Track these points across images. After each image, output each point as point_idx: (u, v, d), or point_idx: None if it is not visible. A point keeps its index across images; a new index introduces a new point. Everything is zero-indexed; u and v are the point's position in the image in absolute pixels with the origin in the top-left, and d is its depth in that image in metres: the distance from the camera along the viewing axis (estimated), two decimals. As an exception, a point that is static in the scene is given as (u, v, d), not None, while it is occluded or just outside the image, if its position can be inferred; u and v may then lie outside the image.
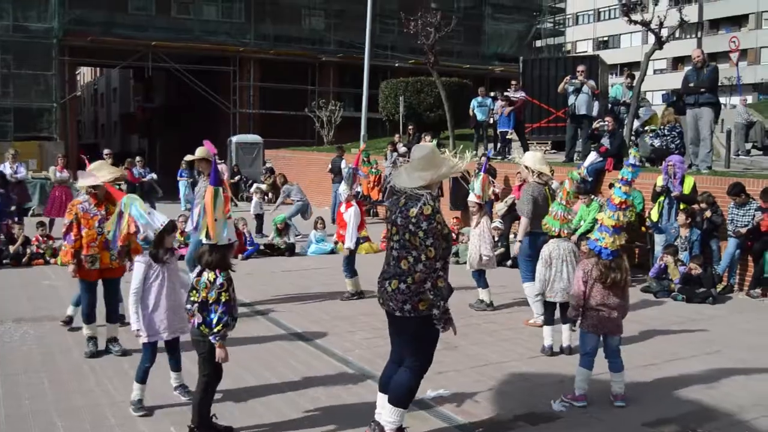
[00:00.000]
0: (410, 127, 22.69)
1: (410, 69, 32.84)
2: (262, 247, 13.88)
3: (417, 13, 20.84)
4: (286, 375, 6.61)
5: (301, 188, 16.17)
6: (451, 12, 29.57)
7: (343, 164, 18.75)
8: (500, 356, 7.26)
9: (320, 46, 35.82)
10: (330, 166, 20.30)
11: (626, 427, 5.49)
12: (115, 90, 58.23)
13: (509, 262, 12.55)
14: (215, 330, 4.90)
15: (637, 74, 15.96)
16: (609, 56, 46.10)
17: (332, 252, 13.60)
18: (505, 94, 18.55)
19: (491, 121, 19.40)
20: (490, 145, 19.61)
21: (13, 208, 14.64)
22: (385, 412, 4.90)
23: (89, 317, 7.19)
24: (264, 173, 25.29)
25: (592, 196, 12.27)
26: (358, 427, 5.32)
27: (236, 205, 20.41)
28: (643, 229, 12.03)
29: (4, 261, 12.27)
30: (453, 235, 10.00)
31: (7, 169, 16.66)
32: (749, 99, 25.22)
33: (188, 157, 9.90)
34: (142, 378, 5.64)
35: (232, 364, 5.38)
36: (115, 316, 7.32)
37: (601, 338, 6.03)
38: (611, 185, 7.91)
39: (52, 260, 12.26)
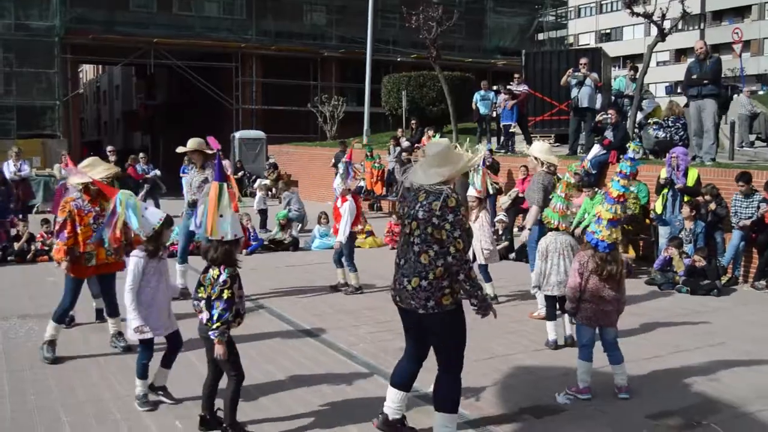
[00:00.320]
0: (413, 121, 22.69)
1: (412, 63, 32.77)
2: (266, 243, 13.90)
3: (419, 7, 20.82)
4: (292, 369, 6.62)
5: (300, 197, 16.25)
6: (453, 6, 29.53)
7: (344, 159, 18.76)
8: (505, 349, 7.26)
9: (322, 42, 35.78)
10: (333, 160, 20.32)
11: (630, 420, 5.50)
12: (118, 87, 58.25)
13: (512, 255, 12.58)
14: (214, 326, 4.87)
15: (640, 66, 15.92)
16: (611, 49, 45.99)
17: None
18: (508, 87, 18.55)
19: (494, 114, 19.41)
20: (494, 139, 19.61)
21: (11, 205, 14.67)
22: (438, 420, 4.83)
23: (62, 318, 7.00)
24: (267, 169, 25.32)
25: (596, 189, 12.25)
26: (365, 421, 5.33)
27: (240, 200, 20.41)
28: (648, 221, 12.01)
29: (9, 258, 12.32)
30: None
31: (10, 167, 16.71)
32: (757, 90, 25.10)
33: (180, 149, 9.85)
34: (143, 374, 5.63)
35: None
36: (116, 310, 7.22)
37: (598, 331, 6.03)
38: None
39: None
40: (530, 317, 8.52)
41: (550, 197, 8.05)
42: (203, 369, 6.21)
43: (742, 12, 65.58)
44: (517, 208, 14.30)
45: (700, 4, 32.28)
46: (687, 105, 13.79)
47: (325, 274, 11.07)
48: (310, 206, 17.49)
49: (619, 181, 5.93)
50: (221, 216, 4.94)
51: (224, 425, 5.06)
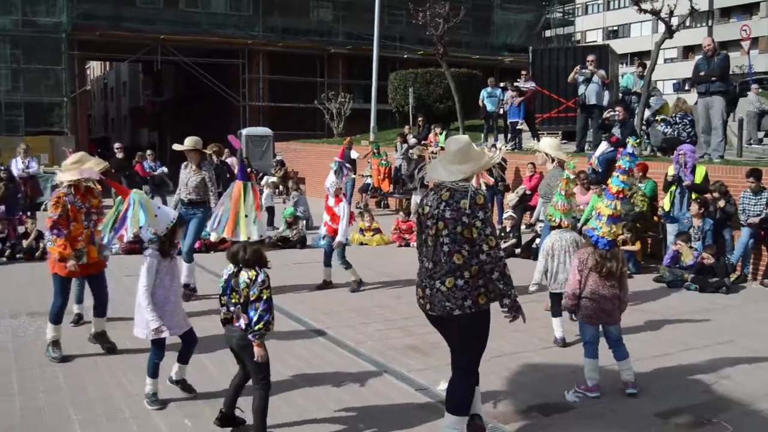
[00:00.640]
0: (420, 118, 22.67)
1: (419, 60, 32.79)
2: (273, 240, 13.90)
3: (425, 3, 20.79)
4: (299, 367, 6.63)
5: (306, 199, 16.32)
6: (460, 2, 29.46)
7: (353, 154, 18.76)
8: (514, 347, 7.25)
9: (329, 38, 35.81)
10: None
11: (639, 418, 5.49)
12: (125, 84, 58.37)
13: (518, 250, 12.60)
14: (255, 328, 4.70)
15: (647, 63, 15.87)
16: (619, 45, 45.86)
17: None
18: (515, 84, 18.51)
19: (501, 111, 19.38)
20: (501, 136, 19.58)
21: (20, 202, 14.73)
22: (448, 421, 4.76)
23: (58, 318, 6.92)
24: (274, 166, 25.32)
25: (604, 186, 12.21)
26: (373, 419, 5.33)
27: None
28: (656, 218, 11.98)
29: (18, 255, 12.35)
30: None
31: (18, 164, 16.77)
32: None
33: (177, 147, 9.81)
34: (154, 372, 5.63)
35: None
36: (104, 310, 7.15)
37: (601, 328, 6.03)
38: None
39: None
40: (546, 309, 8.49)
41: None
42: (213, 370, 6.25)
43: (750, 9, 65.27)
44: (524, 205, 14.29)
45: (708, 1, 32.16)
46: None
47: (333, 270, 11.08)
48: (317, 203, 17.48)
49: (618, 176, 5.93)
50: (246, 216, 4.85)
51: None
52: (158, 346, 5.63)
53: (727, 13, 65.87)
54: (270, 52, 34.33)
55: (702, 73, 12.92)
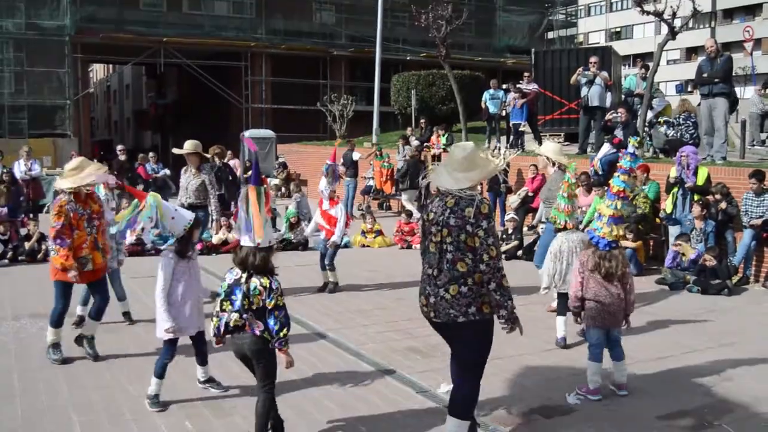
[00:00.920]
0: (422, 120, 22.67)
1: (422, 62, 32.74)
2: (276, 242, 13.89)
3: (428, 6, 20.79)
4: (301, 369, 6.60)
5: (307, 202, 16.31)
6: (463, 4, 29.48)
7: (355, 156, 18.77)
8: (515, 350, 7.23)
9: (331, 41, 35.81)
10: (341, 160, 20.30)
11: (641, 420, 5.48)
12: (128, 87, 58.45)
13: (520, 252, 12.60)
14: (281, 335, 4.71)
15: (650, 65, 15.85)
16: (622, 47, 45.81)
17: (345, 246, 13.58)
18: (518, 86, 18.51)
19: (504, 113, 19.37)
20: (503, 138, 19.58)
21: (22, 204, 14.76)
22: (450, 424, 4.74)
23: (58, 322, 6.91)
24: (277, 168, 25.33)
25: (606, 188, 12.20)
26: (373, 421, 5.33)
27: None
28: (658, 220, 11.97)
29: (20, 257, 12.36)
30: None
31: (21, 166, 16.80)
32: None
33: (176, 150, 9.78)
34: (161, 373, 5.66)
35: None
36: (101, 316, 7.10)
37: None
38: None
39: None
40: (549, 311, 8.50)
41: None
42: (214, 373, 6.22)
43: (753, 10, 65.12)
44: (526, 207, 14.28)
45: (711, 2, 32.13)
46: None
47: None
48: (316, 204, 17.49)
49: (619, 176, 5.93)
50: (265, 221, 4.80)
51: None
52: (169, 347, 5.67)
53: (729, 14, 65.75)
54: (273, 54, 34.34)
55: (705, 75, 12.90)
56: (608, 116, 14.66)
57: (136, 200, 5.71)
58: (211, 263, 11.32)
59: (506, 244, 12.92)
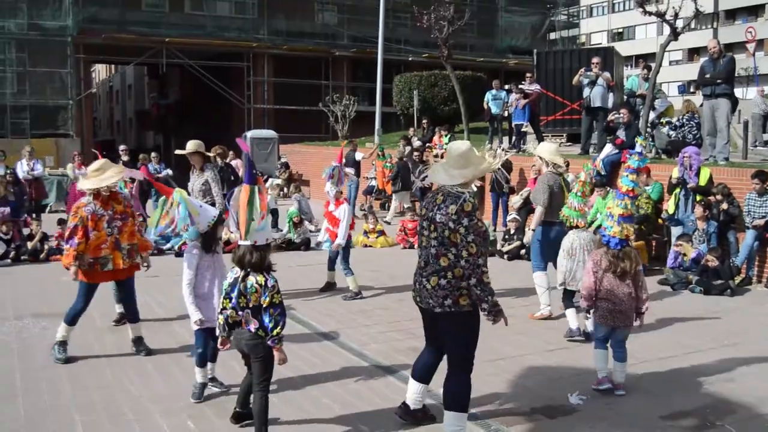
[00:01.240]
0: (424, 121, 22.67)
1: (424, 63, 32.76)
2: (277, 242, 13.89)
3: (430, 6, 20.79)
4: (303, 369, 6.62)
5: (308, 202, 16.35)
6: (465, 5, 29.50)
7: (357, 156, 18.76)
8: (516, 350, 7.24)
9: (333, 41, 35.84)
10: (344, 161, 20.28)
11: (644, 420, 5.47)
12: (130, 87, 58.54)
13: (523, 251, 12.57)
14: (274, 333, 4.76)
15: (652, 65, 15.84)
16: (624, 48, 45.82)
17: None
18: (520, 86, 18.49)
19: (506, 114, 19.36)
20: (505, 139, 19.57)
21: (27, 205, 14.76)
22: (447, 419, 4.86)
23: (73, 320, 6.93)
24: (279, 168, 25.32)
25: (609, 189, 12.19)
26: (375, 421, 5.33)
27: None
28: (660, 221, 11.96)
29: (23, 257, 12.37)
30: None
31: (23, 166, 16.82)
32: (766, 89, 24.88)
33: (179, 151, 9.79)
34: (201, 363, 5.81)
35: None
36: (137, 316, 7.18)
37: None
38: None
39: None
40: (531, 318, 8.51)
41: (558, 197, 8.11)
42: (216, 371, 6.21)
43: (755, 11, 65.08)
44: (529, 207, 14.24)
45: (713, 3, 32.13)
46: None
47: (336, 273, 11.09)
48: (322, 206, 17.50)
49: (628, 176, 5.96)
50: (252, 220, 4.84)
51: None
52: (201, 336, 5.76)
53: (732, 15, 65.70)
54: (275, 55, 34.36)
55: (707, 76, 12.88)
56: (610, 117, 14.65)
57: (163, 198, 5.81)
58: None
59: (509, 244, 12.92)
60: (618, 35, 74.95)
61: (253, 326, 4.81)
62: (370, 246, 14.17)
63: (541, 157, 8.60)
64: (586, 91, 15.67)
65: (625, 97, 17.05)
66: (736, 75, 13.87)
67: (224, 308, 4.90)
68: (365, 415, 5.49)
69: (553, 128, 20.09)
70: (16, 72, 29.56)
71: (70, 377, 6.39)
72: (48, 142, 27.73)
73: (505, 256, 12.73)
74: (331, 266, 10.06)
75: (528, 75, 19.45)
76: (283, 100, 34.09)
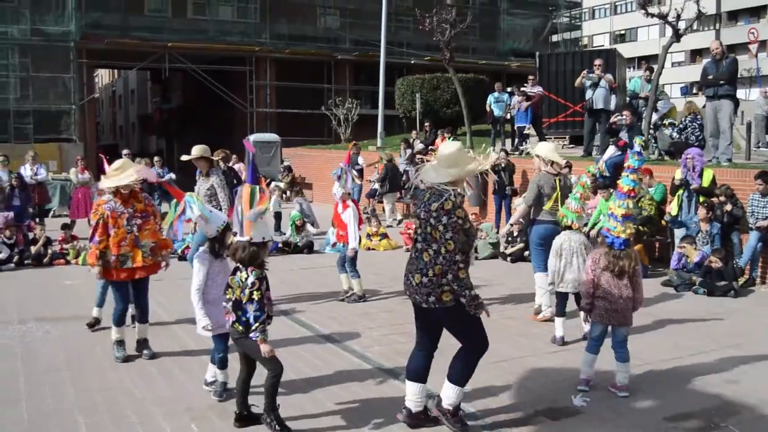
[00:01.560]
0: (427, 123, 22.67)
1: (426, 66, 32.77)
2: (280, 245, 13.90)
3: (432, 9, 20.80)
4: (306, 372, 6.62)
5: (310, 206, 16.37)
6: (467, 8, 29.54)
7: (360, 160, 18.77)
8: (518, 352, 7.24)
9: (335, 45, 35.89)
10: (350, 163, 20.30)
11: (647, 422, 5.46)
12: (133, 91, 58.61)
13: (527, 253, 12.56)
14: (253, 328, 4.97)
15: (655, 67, 15.84)
16: (626, 50, 45.78)
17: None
18: (522, 89, 18.49)
19: (508, 116, 19.35)
20: (508, 141, 19.57)
21: (31, 210, 14.77)
22: (444, 390, 5.12)
23: (120, 320, 7.02)
24: (282, 171, 25.34)
25: (611, 191, 12.17)
26: (379, 423, 5.33)
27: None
28: (663, 222, 11.94)
29: (26, 261, 12.39)
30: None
31: (27, 170, 16.84)
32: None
33: (184, 157, 9.81)
34: (221, 364, 5.85)
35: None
36: (146, 317, 7.21)
37: (609, 328, 6.07)
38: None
39: (74, 261, 12.37)
40: (532, 319, 8.50)
41: (549, 197, 8.09)
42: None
43: (758, 12, 64.99)
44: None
45: (716, 5, 32.12)
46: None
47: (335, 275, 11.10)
48: (325, 209, 17.51)
49: (628, 176, 5.98)
50: (248, 216, 5.00)
51: (263, 412, 5.19)
52: (219, 340, 5.80)
53: (734, 16, 65.62)
54: (277, 58, 34.42)
55: (710, 77, 12.88)
56: (613, 119, 14.64)
57: (175, 200, 5.91)
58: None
59: (512, 246, 12.92)
60: (620, 37, 74.93)
61: (231, 318, 5.04)
62: (373, 249, 14.16)
63: (539, 156, 8.54)
64: (588, 93, 15.67)
65: (628, 98, 17.04)
66: (738, 76, 13.86)
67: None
68: (368, 418, 5.48)
69: (556, 130, 20.08)
70: (19, 77, 29.64)
71: (73, 380, 6.39)
72: (51, 147, 27.77)
73: (509, 258, 12.73)
74: (342, 270, 9.84)
75: (530, 77, 19.44)
76: (285, 104, 34.12)
